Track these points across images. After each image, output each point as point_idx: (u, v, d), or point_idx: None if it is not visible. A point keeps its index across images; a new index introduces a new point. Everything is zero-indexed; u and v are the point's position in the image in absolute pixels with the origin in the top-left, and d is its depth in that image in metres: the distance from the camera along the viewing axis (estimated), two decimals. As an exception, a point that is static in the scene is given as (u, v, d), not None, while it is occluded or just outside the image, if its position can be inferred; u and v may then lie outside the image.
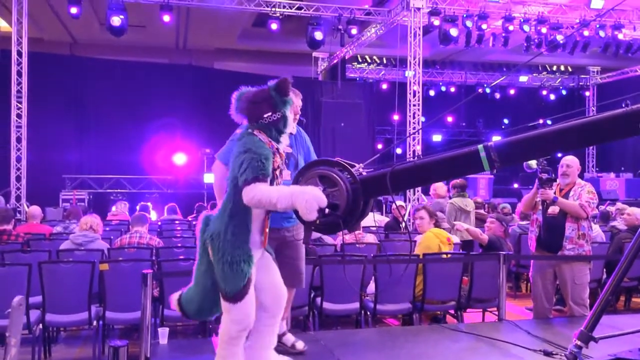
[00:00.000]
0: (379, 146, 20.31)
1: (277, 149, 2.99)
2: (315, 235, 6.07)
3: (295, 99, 3.55)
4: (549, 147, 2.85)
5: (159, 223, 8.79)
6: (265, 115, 2.95)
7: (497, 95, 22.32)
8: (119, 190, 13.76)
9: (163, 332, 3.97)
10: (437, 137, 21.91)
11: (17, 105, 12.26)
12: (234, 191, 2.85)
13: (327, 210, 2.88)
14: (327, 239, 6.42)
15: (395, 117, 17.00)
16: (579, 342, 2.67)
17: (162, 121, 14.06)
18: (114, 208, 9.38)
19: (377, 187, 3.05)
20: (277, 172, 3.00)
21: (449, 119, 22.24)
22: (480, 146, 2.90)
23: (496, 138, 3.33)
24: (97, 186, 14.18)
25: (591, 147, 22.25)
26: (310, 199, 2.71)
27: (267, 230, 3.01)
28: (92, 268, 4.61)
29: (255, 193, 2.75)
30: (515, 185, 19.32)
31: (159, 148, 13.54)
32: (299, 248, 3.69)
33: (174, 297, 3.08)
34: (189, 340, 5.06)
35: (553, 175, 5.05)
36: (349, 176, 3.01)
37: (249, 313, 2.88)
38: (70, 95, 15.02)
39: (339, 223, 2.98)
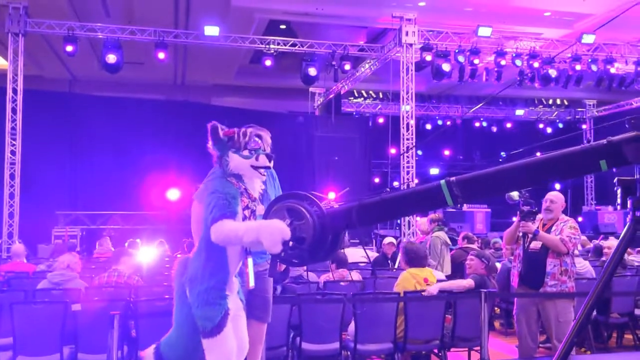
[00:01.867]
0: (376, 180, 20.29)
1: (245, 189, 3.00)
2: (297, 272, 5.99)
3: (268, 138, 3.51)
4: (511, 182, 2.81)
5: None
6: (215, 161, 3.06)
7: (494, 129, 22.38)
8: (111, 227, 13.70)
9: (132, 375, 3.89)
10: (434, 171, 21.91)
11: (11, 142, 12.32)
12: (207, 232, 2.87)
13: (291, 243, 2.85)
14: (311, 276, 6.34)
15: (392, 151, 17.03)
16: (544, 388, 2.58)
17: (157, 157, 14.07)
18: (97, 245, 9.29)
19: (345, 220, 3.01)
20: (247, 213, 3.02)
21: (446, 152, 22.28)
22: (442, 181, 2.88)
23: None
24: (90, 222, 14.13)
25: (589, 180, 22.20)
26: (275, 231, 2.71)
27: (249, 270, 3.00)
28: (64, 308, 4.53)
29: (223, 229, 2.79)
30: (514, 219, 19.12)
31: (153, 184, 13.53)
32: (269, 282, 3.75)
33: (148, 351, 3.05)
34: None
35: (536, 208, 5.01)
36: (317, 209, 2.98)
37: (231, 346, 2.89)
38: (65, 131, 15.08)
39: (304, 256, 2.95)
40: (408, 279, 5.28)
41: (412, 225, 13.59)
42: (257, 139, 3.09)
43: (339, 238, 3.11)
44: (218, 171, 3.15)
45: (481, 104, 16.66)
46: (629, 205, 2.63)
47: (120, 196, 14.31)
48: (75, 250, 10.64)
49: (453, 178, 2.86)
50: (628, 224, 2.64)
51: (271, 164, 3.11)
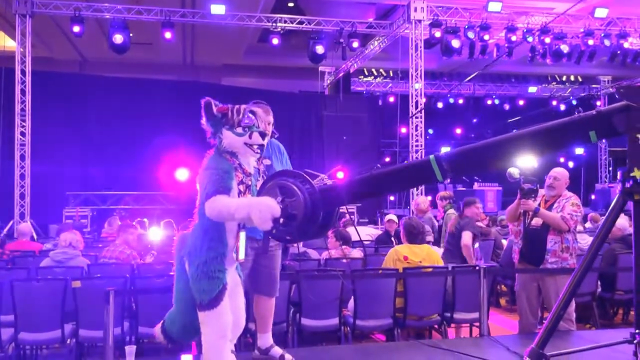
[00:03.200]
0: (387, 159, 20.19)
1: (240, 164, 2.99)
2: (300, 249, 6.00)
3: (263, 115, 3.49)
4: (500, 155, 2.78)
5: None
6: (209, 137, 3.05)
7: (507, 107, 22.11)
8: (122, 207, 13.80)
9: (130, 351, 3.91)
10: (445, 149, 21.67)
11: (21, 124, 12.42)
12: (203, 208, 2.90)
13: (281, 220, 2.85)
14: (312, 253, 6.35)
15: (403, 130, 16.89)
16: (530, 360, 2.57)
17: (167, 137, 14.09)
18: (106, 225, 9.34)
19: (336, 197, 3.00)
20: (242, 188, 3.03)
21: (458, 130, 22.07)
22: (431, 157, 2.86)
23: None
24: (100, 203, 14.24)
25: (603, 157, 21.92)
26: (264, 209, 2.73)
27: (240, 244, 3.01)
28: (64, 285, 4.58)
29: (216, 205, 2.81)
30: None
31: (164, 164, 13.57)
32: (275, 258, 3.76)
33: (157, 328, 3.11)
34: (158, 358, 5.00)
35: (537, 186, 4.95)
36: (308, 187, 2.97)
37: (227, 320, 2.91)
38: (76, 112, 15.15)
39: (296, 233, 2.96)
40: (390, 256, 5.29)
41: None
42: (250, 115, 3.06)
43: (331, 215, 3.12)
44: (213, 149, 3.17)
45: (473, 75, 16.25)
46: (618, 177, 2.59)
47: (130, 177, 14.39)
48: (84, 229, 10.74)
49: (442, 153, 2.84)
50: (617, 195, 2.60)
51: (265, 142, 3.08)
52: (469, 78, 15.93)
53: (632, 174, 2.46)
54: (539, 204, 4.94)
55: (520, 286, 5.03)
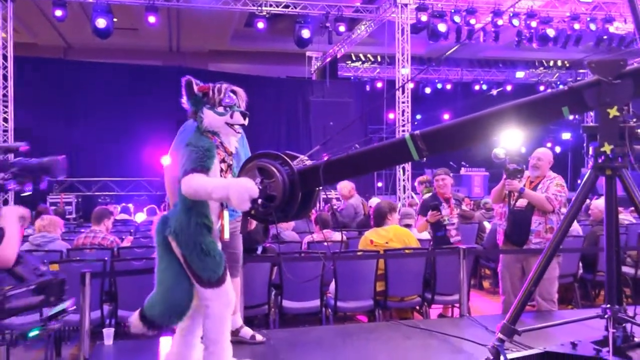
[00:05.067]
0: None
1: (221, 142, 2.98)
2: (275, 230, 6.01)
3: (244, 95, 3.45)
4: (475, 132, 2.77)
5: (137, 223, 8.73)
6: (190, 115, 3.02)
7: (494, 92, 22.15)
8: (107, 193, 13.72)
9: (108, 333, 3.90)
10: (407, 134, 21.71)
11: (3, 110, 12.27)
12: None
13: (260, 201, 2.84)
14: (289, 235, 6.34)
15: (391, 116, 16.86)
16: (501, 336, 2.57)
17: (153, 123, 13.99)
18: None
19: (314, 178, 2.99)
20: (224, 166, 3.03)
21: (446, 116, 22.07)
22: (407, 135, 2.85)
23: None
24: (85, 189, 14.15)
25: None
26: (242, 190, 2.73)
27: (224, 222, 3.02)
28: (42, 269, 4.53)
29: (192, 184, 2.79)
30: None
31: (149, 150, 13.48)
32: (237, 238, 3.81)
33: (133, 317, 3.03)
34: (137, 341, 4.97)
35: (522, 166, 4.95)
36: (287, 168, 2.96)
37: (232, 295, 2.99)
38: (60, 98, 15.02)
39: (275, 214, 2.96)
40: (361, 242, 5.38)
41: (407, 189, 13.59)
42: (232, 94, 3.04)
43: (311, 196, 3.11)
44: (190, 125, 3.14)
45: (449, 53, 16.30)
46: (590, 152, 2.58)
47: (115, 163, 14.31)
48: (65, 216, 10.66)
49: (417, 132, 2.82)
50: (589, 171, 2.60)
51: (246, 122, 3.07)
52: (444, 57, 15.83)
53: (602, 149, 2.46)
54: (524, 185, 4.95)
55: (504, 267, 5.05)
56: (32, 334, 2.36)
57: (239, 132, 3.03)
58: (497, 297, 7.56)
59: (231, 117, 2.98)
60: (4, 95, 12.30)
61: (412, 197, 12.88)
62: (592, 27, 14.56)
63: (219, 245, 3.01)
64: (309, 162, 3.02)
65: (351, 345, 4.00)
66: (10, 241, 2.37)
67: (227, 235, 3.04)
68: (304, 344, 4.02)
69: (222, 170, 2.99)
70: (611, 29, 14.74)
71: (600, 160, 2.52)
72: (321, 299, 5.10)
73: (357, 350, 3.87)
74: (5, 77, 12.29)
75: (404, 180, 13.69)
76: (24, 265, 2.33)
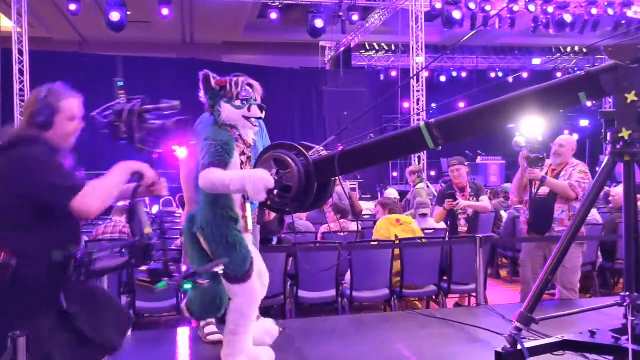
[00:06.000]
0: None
1: (240, 135, 3.01)
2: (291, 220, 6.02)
3: (260, 88, 3.47)
4: (491, 119, 2.75)
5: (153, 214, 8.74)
6: (207, 109, 3.06)
7: (510, 80, 21.88)
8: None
9: (126, 324, 3.94)
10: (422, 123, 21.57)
11: (20, 104, 12.40)
12: None
13: (276, 192, 2.86)
14: (309, 227, 6.34)
15: (406, 105, 16.75)
16: (519, 325, 2.55)
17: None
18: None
19: (329, 168, 2.99)
20: (244, 158, 3.08)
21: (461, 104, 21.86)
22: (422, 124, 2.83)
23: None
24: (102, 182, 14.25)
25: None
26: (257, 180, 2.75)
27: (246, 214, 3.07)
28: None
29: (210, 177, 2.83)
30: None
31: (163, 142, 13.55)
32: (256, 230, 3.85)
33: (183, 304, 3.20)
34: (156, 331, 5.02)
35: (543, 154, 4.90)
36: (302, 159, 2.97)
37: (257, 289, 3.03)
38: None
39: (291, 204, 2.98)
40: (381, 224, 5.35)
41: (423, 180, 13.51)
42: (248, 88, 3.08)
43: (327, 187, 3.11)
44: (207, 118, 3.16)
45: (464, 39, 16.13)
46: (608, 138, 2.54)
47: (130, 155, 14.36)
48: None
49: (432, 120, 2.80)
50: (607, 157, 2.56)
51: (263, 114, 3.08)
52: (460, 42, 15.68)
53: (620, 135, 2.42)
54: (546, 173, 4.90)
55: (526, 255, 5.02)
56: (186, 286, 2.33)
57: (256, 125, 3.06)
58: (514, 286, 7.51)
59: (248, 110, 3.01)
60: (20, 90, 12.41)
61: (428, 187, 12.81)
62: (610, 11, 14.32)
63: (248, 239, 3.04)
64: (324, 153, 3.02)
65: (367, 334, 4.00)
66: (96, 191, 2.22)
67: (250, 227, 3.10)
68: (319, 334, 4.03)
69: (242, 162, 3.03)
70: (629, 14, 14.48)
71: (618, 146, 2.47)
72: (337, 289, 5.11)
73: (373, 340, 3.88)
74: (21, 72, 12.41)
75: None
76: (135, 222, 2.29)
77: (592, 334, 2.57)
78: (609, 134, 2.52)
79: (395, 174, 18.22)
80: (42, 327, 2.18)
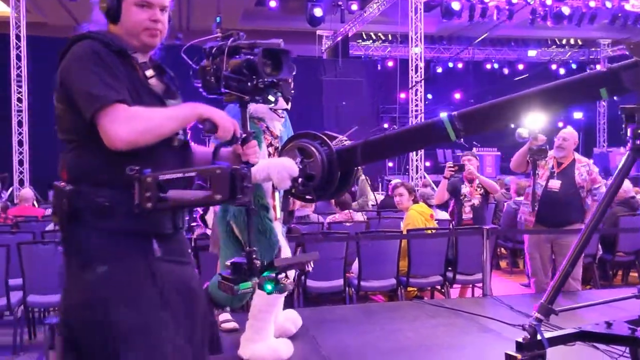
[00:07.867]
0: (385, 125, 20.10)
1: (267, 127, 3.04)
2: (302, 213, 6.05)
3: None
4: (512, 113, 2.78)
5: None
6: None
7: (506, 71, 21.96)
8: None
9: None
10: (444, 115, 21.62)
11: (17, 90, 12.30)
12: None
13: (300, 180, 2.90)
14: (316, 218, 6.38)
15: (402, 95, 16.77)
16: (538, 315, 2.59)
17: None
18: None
19: (352, 158, 3.03)
20: (271, 150, 3.14)
21: (457, 95, 21.93)
22: (444, 116, 2.86)
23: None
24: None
25: (602, 122, 21.90)
26: (282, 169, 2.79)
27: (275, 203, 3.12)
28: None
29: None
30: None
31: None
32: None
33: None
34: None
35: (546, 146, 4.97)
36: (326, 148, 3.02)
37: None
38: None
39: (314, 193, 3.03)
40: (416, 217, 5.47)
41: (420, 169, 13.59)
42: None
43: (349, 176, 3.16)
44: (232, 109, 3.18)
45: (481, 38, 16.13)
46: (629, 134, 2.58)
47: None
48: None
49: (455, 112, 2.84)
50: (627, 152, 2.60)
51: (289, 106, 3.10)
52: (477, 40, 15.67)
53: (642, 130, 2.46)
54: (552, 165, 4.98)
55: (534, 247, 5.10)
56: (268, 287, 1.92)
57: (282, 117, 3.08)
58: (514, 277, 7.62)
59: (275, 102, 3.04)
60: (18, 75, 12.31)
61: (425, 177, 12.90)
62: (608, 4, 14.36)
63: (278, 228, 3.07)
64: (347, 143, 3.06)
65: (377, 322, 4.06)
66: (135, 116, 1.74)
67: (279, 215, 3.14)
68: (331, 322, 4.09)
69: (269, 154, 3.08)
70: (627, 7, 14.53)
71: (638, 142, 2.52)
72: (344, 279, 5.16)
73: (383, 328, 3.94)
74: (18, 57, 12.29)
75: (416, 160, 13.69)
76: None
77: (609, 325, 2.62)
78: (629, 130, 2.56)
79: (390, 164, 18.27)
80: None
